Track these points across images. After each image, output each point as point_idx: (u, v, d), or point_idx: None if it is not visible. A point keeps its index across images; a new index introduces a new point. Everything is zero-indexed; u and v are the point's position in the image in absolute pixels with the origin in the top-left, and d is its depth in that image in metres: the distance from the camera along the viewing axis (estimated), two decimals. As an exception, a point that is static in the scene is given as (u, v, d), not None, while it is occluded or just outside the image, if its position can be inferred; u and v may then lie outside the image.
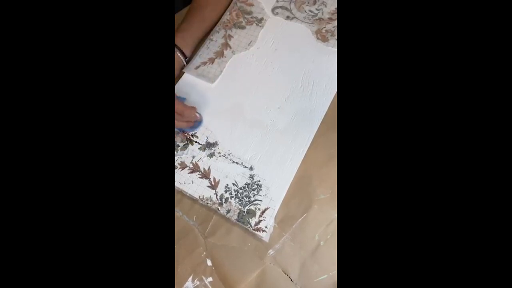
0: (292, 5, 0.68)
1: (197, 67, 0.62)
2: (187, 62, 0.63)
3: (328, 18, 0.66)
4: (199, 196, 0.52)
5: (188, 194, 0.52)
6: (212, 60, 0.63)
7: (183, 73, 0.62)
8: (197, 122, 0.57)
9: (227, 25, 0.66)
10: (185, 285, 0.47)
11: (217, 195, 0.52)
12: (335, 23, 0.65)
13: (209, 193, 0.52)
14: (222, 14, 0.68)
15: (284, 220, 0.50)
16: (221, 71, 0.62)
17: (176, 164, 0.54)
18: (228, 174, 0.53)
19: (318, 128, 0.56)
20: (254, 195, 0.51)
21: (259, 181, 0.52)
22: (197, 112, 0.57)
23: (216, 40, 0.65)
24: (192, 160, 0.55)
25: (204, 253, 0.49)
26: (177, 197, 0.53)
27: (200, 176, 0.53)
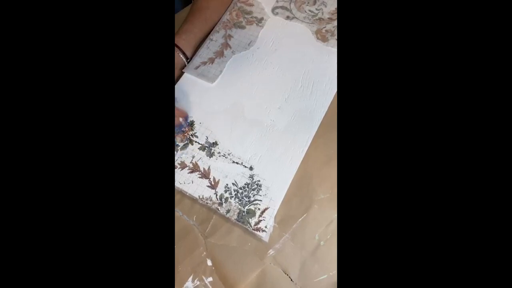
0: (292, 5, 0.68)
1: (197, 67, 0.62)
2: (188, 63, 0.63)
3: (328, 18, 0.66)
4: (199, 196, 0.52)
5: (188, 194, 0.52)
6: (212, 60, 0.63)
7: (183, 73, 0.62)
8: (178, 127, 0.56)
9: (227, 25, 0.66)
10: (185, 285, 0.47)
11: (217, 195, 0.52)
12: (335, 23, 0.65)
13: (209, 193, 0.52)
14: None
15: (284, 220, 0.50)
16: (221, 71, 0.62)
17: (176, 164, 0.54)
18: (228, 174, 0.53)
19: (318, 128, 0.56)
20: (254, 195, 0.51)
21: (259, 181, 0.52)
22: (182, 118, 0.56)
23: (216, 40, 0.65)
24: (192, 160, 0.55)
25: (204, 253, 0.49)
26: (177, 197, 0.53)
27: (200, 176, 0.53)
